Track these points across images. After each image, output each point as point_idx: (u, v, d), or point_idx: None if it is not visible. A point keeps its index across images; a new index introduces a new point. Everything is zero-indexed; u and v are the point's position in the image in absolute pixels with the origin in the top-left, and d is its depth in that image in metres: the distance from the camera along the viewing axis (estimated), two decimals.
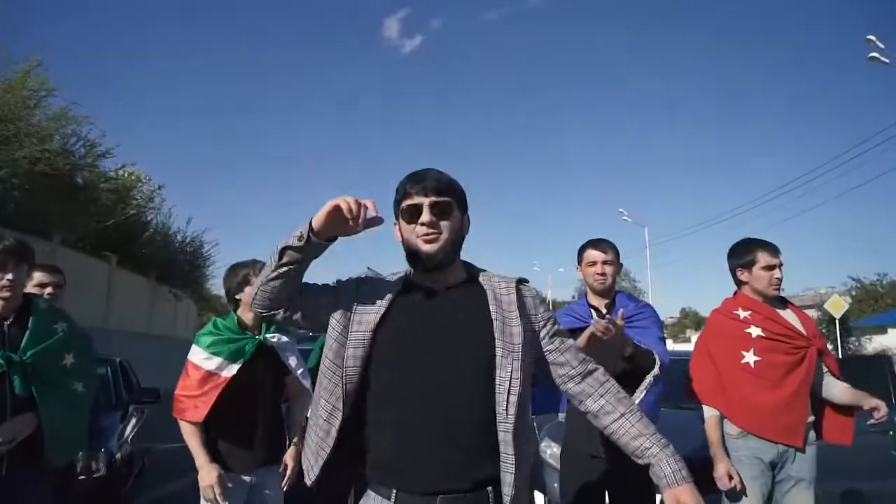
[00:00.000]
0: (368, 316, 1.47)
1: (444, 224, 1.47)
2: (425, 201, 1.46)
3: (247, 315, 2.62)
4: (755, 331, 2.63)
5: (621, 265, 2.95)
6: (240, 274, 2.62)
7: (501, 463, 1.35)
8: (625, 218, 33.03)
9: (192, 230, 21.02)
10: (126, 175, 15.69)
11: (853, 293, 31.48)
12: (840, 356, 15.02)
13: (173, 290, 20.02)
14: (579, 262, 2.91)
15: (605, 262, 2.82)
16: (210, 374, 2.50)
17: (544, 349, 1.53)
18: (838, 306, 18.94)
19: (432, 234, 1.45)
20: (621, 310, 2.61)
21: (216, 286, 24.17)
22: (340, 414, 1.42)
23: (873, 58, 16.26)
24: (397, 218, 1.54)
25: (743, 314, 2.69)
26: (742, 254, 2.74)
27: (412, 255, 1.50)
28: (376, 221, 1.42)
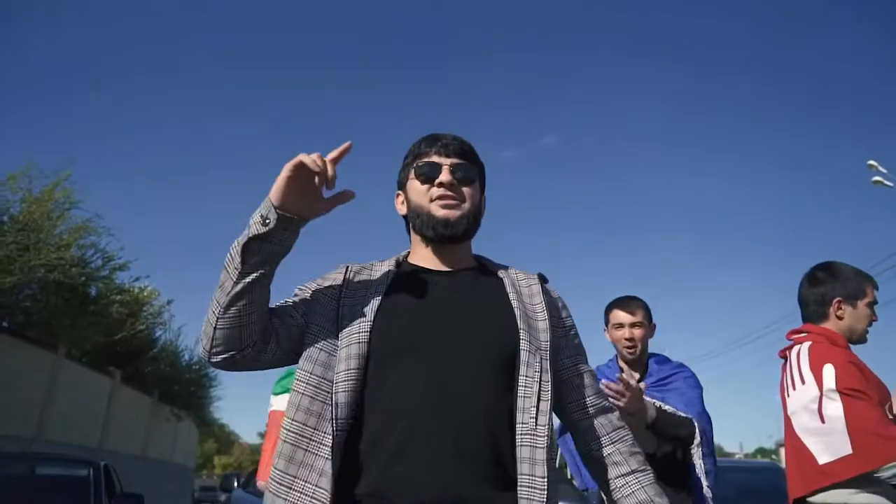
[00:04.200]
0: (362, 307, 1.16)
1: (465, 191, 1.23)
2: (445, 161, 1.23)
3: None
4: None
5: (654, 326, 2.57)
6: None
7: (522, 489, 1.03)
8: None
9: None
10: (138, 290, 15.74)
11: None
12: None
13: (175, 410, 19.37)
14: (606, 325, 2.58)
15: (633, 325, 2.46)
16: None
17: (561, 362, 1.24)
18: None
19: (451, 198, 1.21)
20: (642, 383, 2.25)
21: (219, 409, 23.49)
22: (330, 439, 1.05)
23: (878, 181, 16.61)
24: (401, 186, 1.30)
25: None
26: (847, 282, 2.10)
27: (421, 223, 1.23)
28: (347, 196, 1.14)
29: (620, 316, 2.50)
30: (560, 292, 1.35)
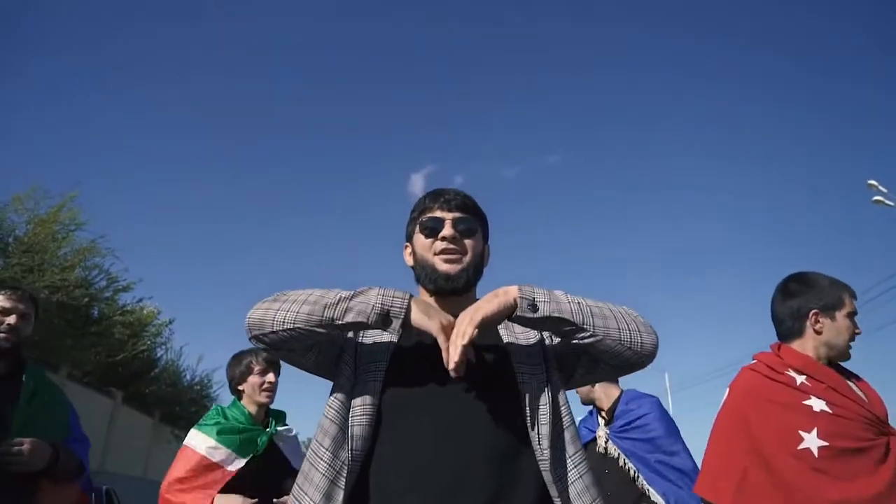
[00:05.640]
0: (377, 350, 1.26)
1: (467, 243, 1.31)
2: (448, 216, 1.31)
3: (251, 407, 2.43)
4: (818, 403, 1.78)
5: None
6: (242, 362, 2.46)
7: None
8: None
9: (203, 369, 20.68)
10: (140, 310, 15.74)
11: None
12: None
13: (176, 431, 19.27)
14: None
15: None
16: (212, 465, 2.22)
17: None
18: None
19: (454, 251, 1.29)
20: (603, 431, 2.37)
21: None
22: (346, 469, 1.13)
23: (878, 201, 16.60)
24: (409, 238, 1.38)
25: (798, 378, 1.84)
26: (823, 291, 1.90)
27: (425, 276, 1.31)
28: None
29: None
30: None
